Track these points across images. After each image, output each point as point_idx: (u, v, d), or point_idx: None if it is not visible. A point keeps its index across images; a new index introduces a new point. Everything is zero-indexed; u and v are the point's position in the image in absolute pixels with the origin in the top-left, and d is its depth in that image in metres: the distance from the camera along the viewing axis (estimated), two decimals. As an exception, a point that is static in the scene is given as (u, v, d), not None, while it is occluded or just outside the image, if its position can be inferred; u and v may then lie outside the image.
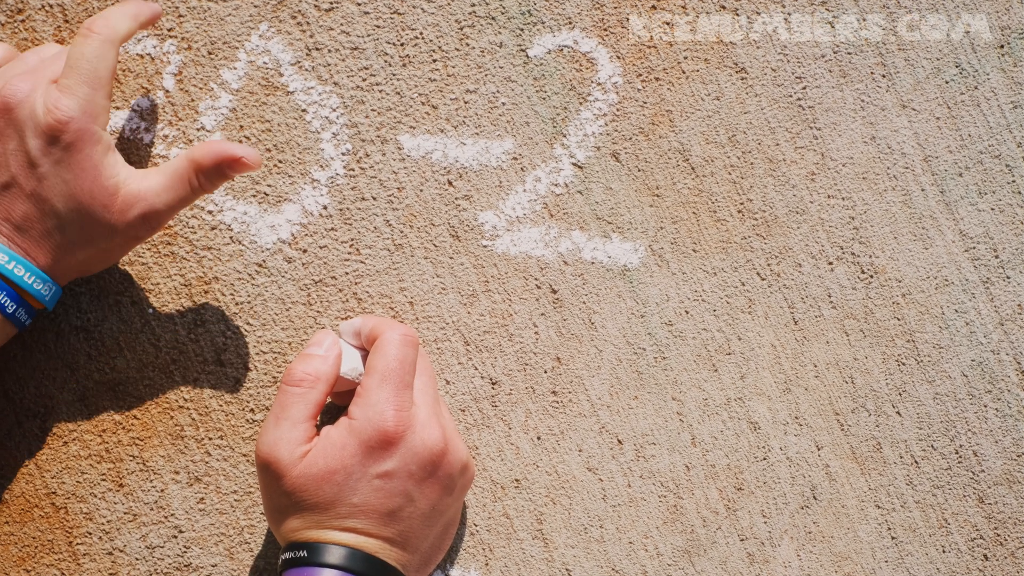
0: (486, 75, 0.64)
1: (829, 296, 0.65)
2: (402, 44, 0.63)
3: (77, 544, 0.62)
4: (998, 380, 0.65)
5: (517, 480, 0.64)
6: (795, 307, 0.65)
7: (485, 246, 0.64)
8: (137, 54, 0.62)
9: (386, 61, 0.63)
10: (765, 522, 0.64)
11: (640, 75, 0.64)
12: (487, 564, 0.63)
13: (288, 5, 0.63)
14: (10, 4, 0.61)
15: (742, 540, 0.64)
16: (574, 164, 0.64)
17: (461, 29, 0.63)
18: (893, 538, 0.65)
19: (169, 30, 0.62)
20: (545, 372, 0.64)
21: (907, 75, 0.65)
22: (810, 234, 0.65)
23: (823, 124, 0.65)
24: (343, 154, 0.63)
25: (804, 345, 0.65)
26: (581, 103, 0.64)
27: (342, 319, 0.63)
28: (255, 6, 0.62)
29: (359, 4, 0.63)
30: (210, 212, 0.62)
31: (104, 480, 0.62)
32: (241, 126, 0.63)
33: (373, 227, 0.63)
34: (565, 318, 0.64)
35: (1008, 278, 0.65)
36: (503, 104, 0.64)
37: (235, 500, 0.62)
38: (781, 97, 0.65)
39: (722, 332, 0.65)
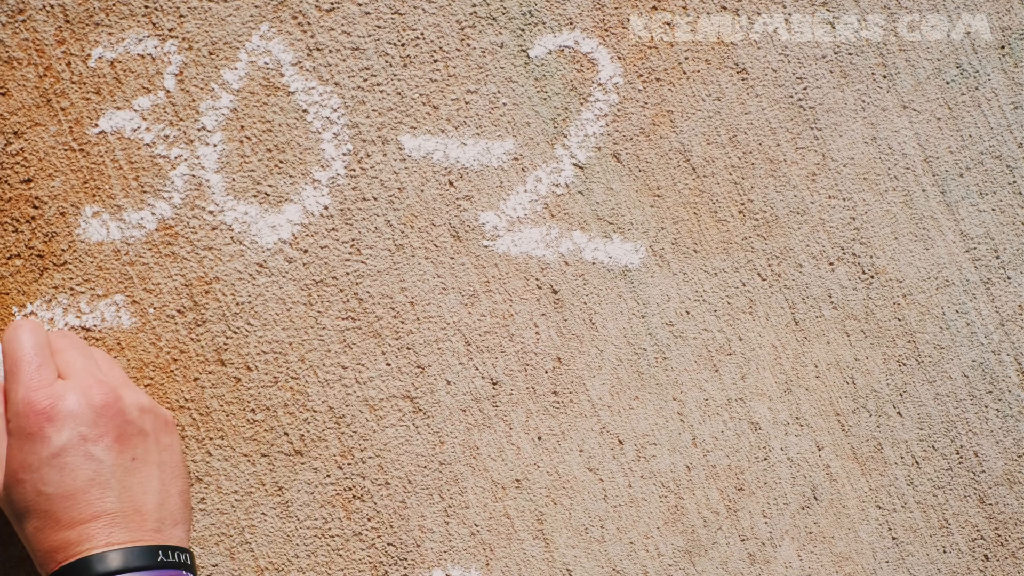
0: (487, 75, 0.64)
1: (830, 296, 0.65)
2: (403, 44, 0.63)
3: (78, 544, 0.62)
4: (999, 381, 0.65)
5: (518, 480, 0.64)
6: (796, 307, 0.65)
7: (486, 246, 0.64)
8: (138, 54, 0.62)
9: (387, 61, 0.63)
10: (766, 522, 0.64)
11: (641, 75, 0.64)
12: (488, 564, 0.63)
13: (289, 5, 0.63)
14: (11, 4, 0.61)
15: (743, 540, 0.64)
16: (575, 164, 0.64)
17: (462, 29, 0.63)
18: (894, 538, 0.65)
19: (170, 30, 0.62)
20: (546, 372, 0.64)
21: (908, 76, 0.65)
22: (811, 234, 0.65)
23: (824, 124, 0.65)
24: (344, 154, 0.63)
25: (805, 345, 0.65)
26: (582, 103, 0.64)
27: (343, 318, 0.63)
28: (256, 6, 0.62)
29: (360, 4, 0.63)
30: (211, 212, 0.62)
31: (105, 480, 0.62)
32: (242, 126, 0.63)
33: (374, 227, 0.63)
34: (566, 318, 0.64)
35: (1009, 279, 0.65)
36: (504, 104, 0.64)
37: (236, 500, 0.62)
38: (782, 97, 0.65)
39: (723, 332, 0.65)
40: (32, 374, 0.54)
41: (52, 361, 0.56)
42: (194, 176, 0.62)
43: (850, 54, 0.65)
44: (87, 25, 0.62)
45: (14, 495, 0.53)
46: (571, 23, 0.64)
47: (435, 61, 0.63)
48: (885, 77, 0.65)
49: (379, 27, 0.63)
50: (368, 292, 0.63)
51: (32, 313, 0.62)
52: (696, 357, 0.64)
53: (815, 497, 0.65)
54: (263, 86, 0.63)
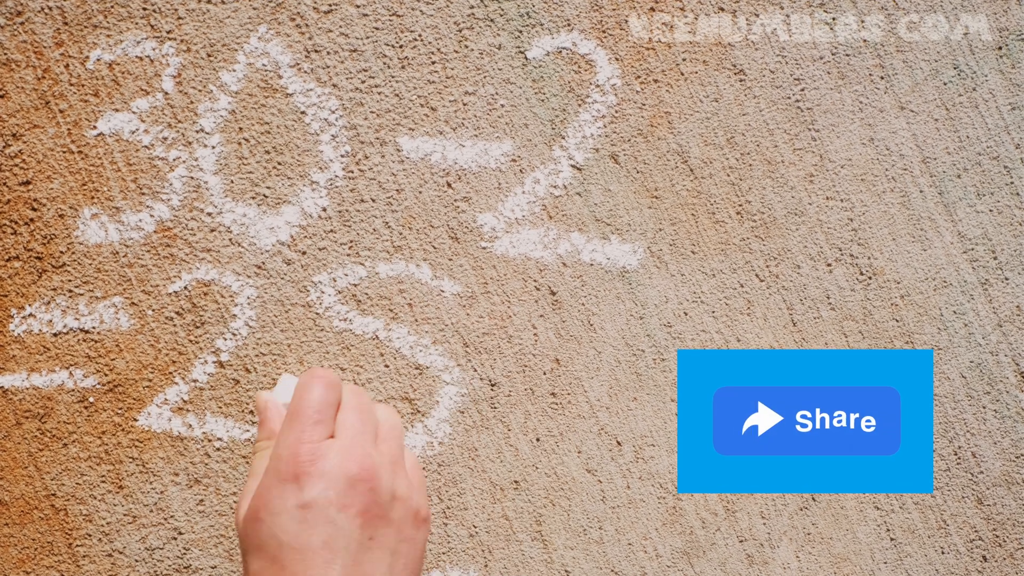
0: (485, 77, 0.64)
1: (828, 297, 0.65)
2: (401, 46, 0.63)
3: (77, 546, 0.62)
4: (997, 381, 0.65)
5: (516, 482, 0.64)
6: (794, 308, 0.65)
7: (484, 248, 0.64)
8: (136, 56, 0.62)
9: (385, 63, 0.63)
10: (764, 523, 0.65)
11: (639, 77, 0.64)
12: (486, 565, 0.63)
13: (287, 7, 0.63)
14: (9, 6, 0.62)
15: (741, 541, 0.64)
16: (573, 166, 0.64)
17: (460, 31, 0.63)
18: (892, 539, 0.65)
19: (168, 32, 0.62)
20: (544, 374, 0.64)
21: (905, 77, 0.65)
22: (809, 235, 0.65)
23: (821, 126, 0.65)
24: (342, 156, 0.63)
25: (803, 346, 0.65)
26: (580, 105, 0.64)
27: (342, 319, 0.63)
28: (254, 8, 0.63)
29: (358, 6, 0.63)
30: (209, 214, 0.63)
31: (104, 482, 0.62)
32: (240, 128, 0.63)
33: (372, 229, 0.63)
34: (564, 320, 0.64)
35: (1006, 279, 0.65)
36: (502, 106, 0.64)
37: (234, 502, 0.62)
38: (780, 99, 0.65)
39: (721, 334, 0.65)
40: (307, 427, 0.55)
41: (332, 420, 0.56)
42: (192, 178, 0.62)
43: (847, 55, 0.65)
44: (85, 27, 0.62)
45: (250, 530, 0.54)
46: (569, 24, 0.64)
47: (433, 63, 0.63)
48: (883, 78, 0.65)
49: (377, 29, 0.63)
50: (366, 294, 0.63)
51: (31, 315, 0.62)
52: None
53: (813, 498, 0.65)
54: (261, 88, 0.63)
